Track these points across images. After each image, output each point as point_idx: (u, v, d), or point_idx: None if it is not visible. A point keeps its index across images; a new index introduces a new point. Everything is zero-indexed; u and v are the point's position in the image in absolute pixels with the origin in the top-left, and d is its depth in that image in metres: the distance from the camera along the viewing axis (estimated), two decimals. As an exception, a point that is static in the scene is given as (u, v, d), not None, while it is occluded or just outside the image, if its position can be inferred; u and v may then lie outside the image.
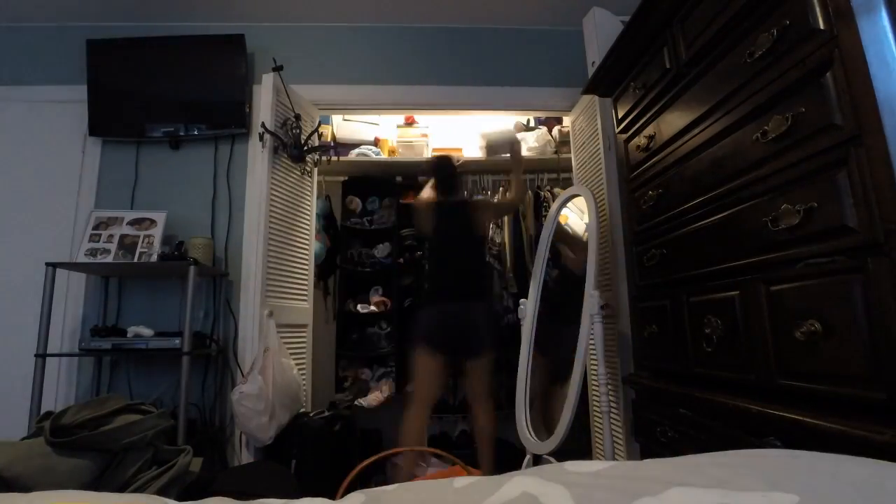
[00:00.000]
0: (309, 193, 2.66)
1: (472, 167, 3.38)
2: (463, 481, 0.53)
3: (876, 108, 0.84)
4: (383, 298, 3.36)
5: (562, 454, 2.11)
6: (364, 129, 3.37)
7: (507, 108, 2.90)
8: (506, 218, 3.20)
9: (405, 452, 2.09)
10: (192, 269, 2.10)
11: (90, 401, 1.52)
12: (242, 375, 2.20)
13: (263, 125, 2.29)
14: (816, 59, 0.93)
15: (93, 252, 2.21)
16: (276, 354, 2.12)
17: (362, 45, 2.81)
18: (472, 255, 2.37)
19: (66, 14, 2.67)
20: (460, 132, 3.45)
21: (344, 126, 3.34)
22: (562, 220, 2.47)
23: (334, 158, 2.66)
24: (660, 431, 1.43)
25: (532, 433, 2.16)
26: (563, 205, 2.46)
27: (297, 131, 2.40)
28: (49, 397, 2.22)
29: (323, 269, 3.27)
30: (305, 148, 2.44)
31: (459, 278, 2.29)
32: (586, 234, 2.19)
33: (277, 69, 2.28)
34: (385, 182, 3.46)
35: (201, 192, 2.59)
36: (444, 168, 2.57)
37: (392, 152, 3.35)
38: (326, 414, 2.26)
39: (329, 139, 3.17)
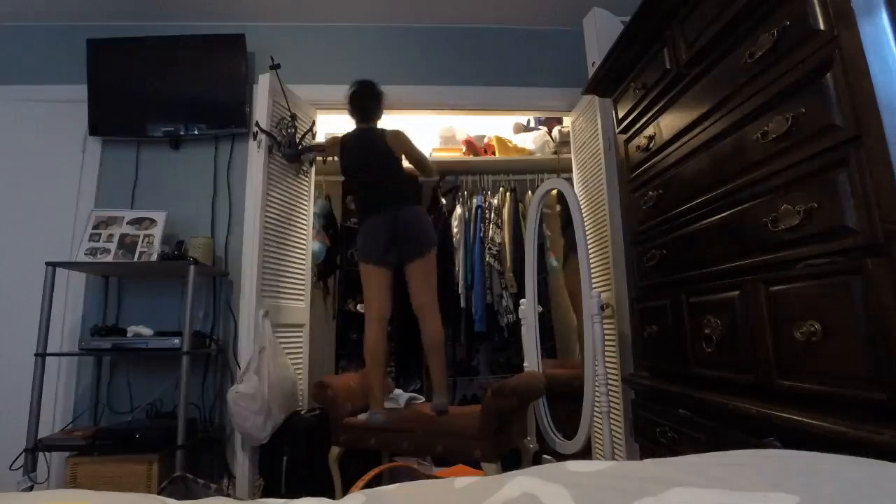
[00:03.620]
0: (306, 193, 2.66)
1: (472, 167, 3.38)
2: (464, 481, 0.53)
3: (876, 108, 0.84)
4: (383, 298, 3.35)
5: (562, 454, 2.13)
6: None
7: (508, 108, 2.90)
8: (505, 217, 3.20)
9: (373, 383, 2.10)
10: (191, 268, 2.10)
11: None
12: (242, 375, 2.20)
13: (257, 124, 2.30)
14: (817, 60, 0.93)
15: (93, 252, 2.21)
16: (272, 354, 2.12)
17: (362, 45, 2.81)
18: (388, 170, 2.28)
19: (66, 14, 2.67)
20: (460, 132, 3.45)
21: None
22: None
23: (329, 158, 2.67)
24: (660, 431, 1.43)
25: (557, 434, 2.19)
26: (542, 199, 2.47)
27: (293, 131, 2.40)
28: (49, 397, 2.22)
29: (323, 269, 3.27)
30: (300, 147, 2.44)
31: (380, 191, 2.24)
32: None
33: (275, 67, 2.28)
34: (385, 182, 3.46)
35: (201, 192, 2.59)
36: (365, 88, 2.37)
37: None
38: (317, 412, 2.27)
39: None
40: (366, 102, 2.37)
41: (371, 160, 2.29)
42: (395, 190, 2.25)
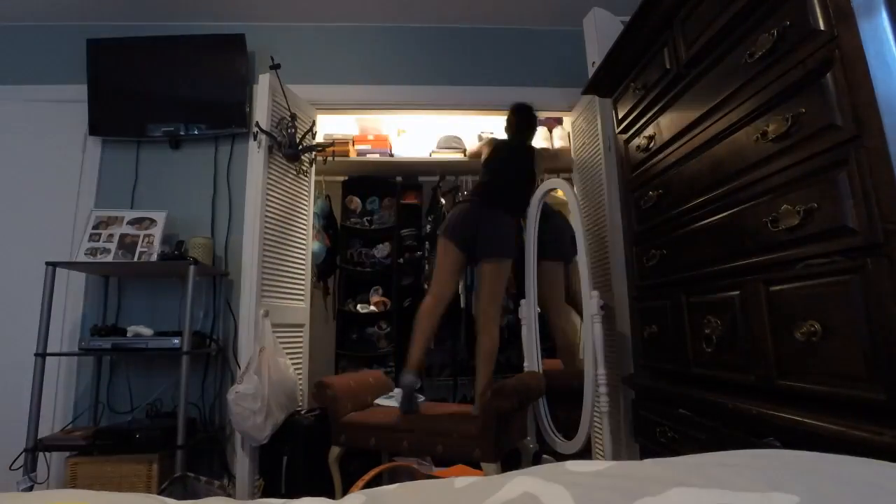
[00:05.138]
0: (306, 193, 2.66)
1: (472, 167, 3.37)
2: (464, 481, 0.53)
3: (876, 108, 0.84)
4: (383, 298, 3.36)
5: (562, 454, 2.13)
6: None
7: (508, 108, 2.89)
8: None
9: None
10: (191, 268, 2.10)
11: None
12: (242, 375, 2.20)
13: (257, 124, 2.30)
14: (817, 60, 0.93)
15: (93, 251, 2.21)
16: (272, 354, 2.12)
17: (362, 45, 2.81)
18: (522, 182, 2.45)
19: (66, 14, 2.67)
20: (461, 132, 3.45)
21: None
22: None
23: (330, 158, 2.66)
24: (660, 431, 1.43)
25: (557, 434, 2.20)
26: (542, 200, 2.47)
27: (293, 131, 2.40)
28: (49, 397, 2.22)
29: (323, 269, 3.27)
30: (300, 147, 2.44)
31: (501, 190, 2.35)
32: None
33: (275, 67, 2.28)
34: (385, 182, 3.46)
35: (201, 192, 2.59)
36: (524, 110, 2.59)
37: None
38: (317, 412, 2.27)
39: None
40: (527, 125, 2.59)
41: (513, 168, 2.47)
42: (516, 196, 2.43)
